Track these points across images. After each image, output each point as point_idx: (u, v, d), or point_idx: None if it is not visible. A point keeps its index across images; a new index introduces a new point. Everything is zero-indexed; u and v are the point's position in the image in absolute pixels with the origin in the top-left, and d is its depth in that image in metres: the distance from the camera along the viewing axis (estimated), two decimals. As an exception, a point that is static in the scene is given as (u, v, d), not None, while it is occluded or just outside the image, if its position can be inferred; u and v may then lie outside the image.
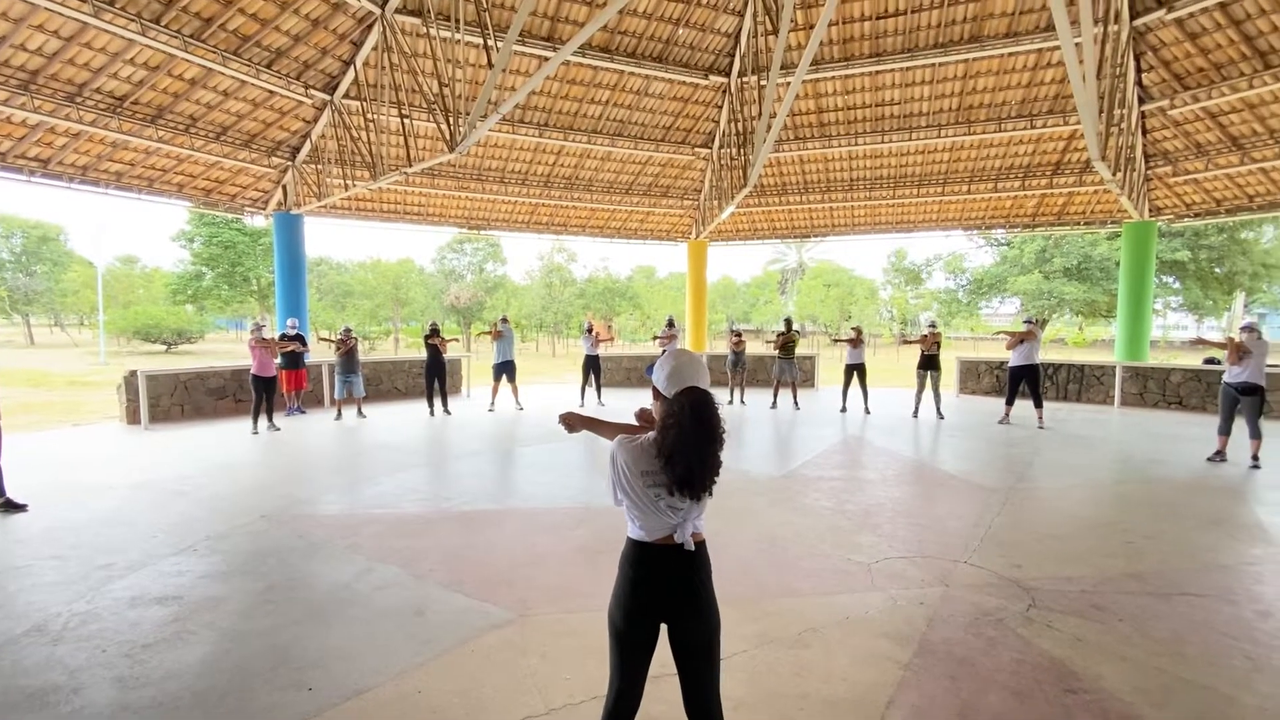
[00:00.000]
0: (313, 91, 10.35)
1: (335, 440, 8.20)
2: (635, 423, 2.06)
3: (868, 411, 10.27)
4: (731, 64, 12.07)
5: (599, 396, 11.50)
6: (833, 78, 12.02)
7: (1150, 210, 12.52)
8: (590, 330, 11.53)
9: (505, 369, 10.58)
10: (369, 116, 10.31)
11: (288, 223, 12.49)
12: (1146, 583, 3.73)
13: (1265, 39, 9.23)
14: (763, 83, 11.05)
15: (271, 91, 10.02)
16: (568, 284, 37.00)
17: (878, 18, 10.97)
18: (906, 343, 11.52)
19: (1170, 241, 25.30)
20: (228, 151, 10.79)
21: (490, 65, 8.03)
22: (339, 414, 9.73)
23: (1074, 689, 2.64)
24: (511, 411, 10.40)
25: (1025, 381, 9.15)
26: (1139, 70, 10.57)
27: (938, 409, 9.87)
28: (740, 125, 12.24)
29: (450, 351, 10.96)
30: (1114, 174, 10.55)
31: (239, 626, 3.16)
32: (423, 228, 14.75)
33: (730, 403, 11.49)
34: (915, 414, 9.95)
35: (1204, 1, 9.06)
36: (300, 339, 10.14)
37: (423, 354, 10.78)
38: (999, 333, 10.55)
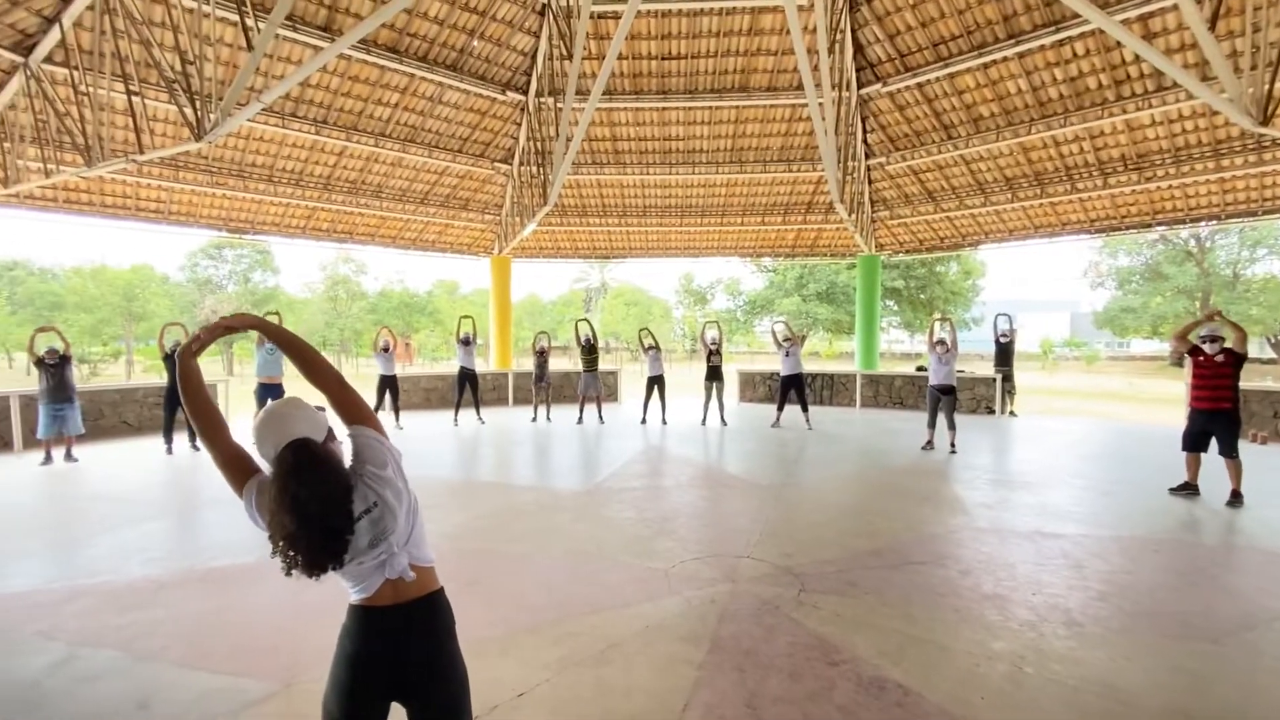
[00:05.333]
0: (-6, 49, 8.10)
1: (29, 494, 6.38)
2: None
3: (665, 422, 10.90)
4: (529, 83, 12.12)
5: (396, 419, 10.60)
6: (625, 109, 12.71)
7: (876, 246, 15.23)
8: (387, 349, 10.60)
9: (270, 392, 9.22)
10: (81, 89, 8.36)
11: (-51, 213, 9.57)
12: (883, 557, 4.44)
13: (948, 115, 11.87)
14: (559, 105, 11.29)
15: (-80, 40, 7.64)
16: (356, 297, 33.72)
17: (664, 58, 11.91)
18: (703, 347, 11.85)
19: (890, 272, 31.14)
20: None
21: (250, 48, 7.05)
22: (48, 457, 7.61)
23: (835, 661, 3.02)
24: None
25: (793, 389, 10.47)
26: (865, 131, 12.87)
27: (722, 416, 10.82)
28: (538, 144, 12.35)
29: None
30: (850, 214, 12.66)
31: None
32: (165, 228, 12.28)
33: (534, 420, 11.38)
34: (704, 421, 10.80)
35: (907, 81, 11.40)
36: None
37: (163, 379, 8.96)
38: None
